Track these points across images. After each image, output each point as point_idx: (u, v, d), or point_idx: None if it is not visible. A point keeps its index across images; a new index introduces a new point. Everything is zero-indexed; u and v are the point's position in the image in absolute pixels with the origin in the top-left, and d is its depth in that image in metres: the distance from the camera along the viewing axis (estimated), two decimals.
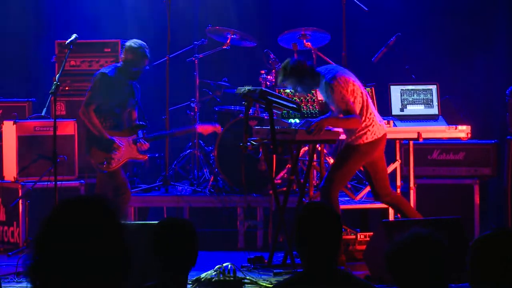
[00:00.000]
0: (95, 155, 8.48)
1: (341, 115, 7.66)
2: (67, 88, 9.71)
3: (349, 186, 8.90)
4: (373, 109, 7.84)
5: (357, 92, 7.68)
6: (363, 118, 7.69)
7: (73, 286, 2.37)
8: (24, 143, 9.03)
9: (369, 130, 7.71)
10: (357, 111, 7.64)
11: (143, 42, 8.60)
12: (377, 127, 7.76)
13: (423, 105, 8.98)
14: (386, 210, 8.62)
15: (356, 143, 7.71)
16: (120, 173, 8.54)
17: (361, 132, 7.69)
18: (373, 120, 7.74)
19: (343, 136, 8.06)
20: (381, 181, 7.88)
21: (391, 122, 8.60)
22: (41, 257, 2.39)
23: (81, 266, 2.37)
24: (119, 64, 8.63)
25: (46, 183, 8.38)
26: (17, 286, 7.34)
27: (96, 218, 2.42)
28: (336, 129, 7.90)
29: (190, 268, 3.90)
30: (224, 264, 7.18)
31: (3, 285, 7.31)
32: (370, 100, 7.84)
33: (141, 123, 8.68)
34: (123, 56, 8.59)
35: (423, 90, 9.02)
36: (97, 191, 8.50)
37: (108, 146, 8.43)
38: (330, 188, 7.65)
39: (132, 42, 8.58)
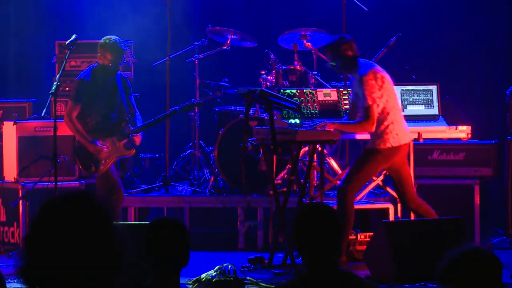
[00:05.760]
0: (82, 161, 8.51)
1: (358, 116, 7.68)
2: (67, 88, 9.71)
3: None
4: (401, 115, 7.83)
5: (390, 92, 7.69)
6: (389, 121, 7.66)
7: (65, 284, 2.38)
8: (24, 143, 9.03)
9: (397, 134, 7.69)
10: (375, 113, 7.61)
11: (116, 37, 8.59)
12: (403, 133, 7.75)
13: (423, 105, 8.98)
14: (386, 210, 8.62)
15: (379, 147, 7.69)
16: (112, 174, 8.53)
17: (387, 136, 7.67)
18: (400, 125, 7.74)
19: (342, 137, 8.06)
20: (406, 187, 7.84)
21: None
22: (32, 257, 2.40)
23: (71, 264, 2.38)
24: (94, 65, 8.60)
25: (46, 183, 8.38)
26: (17, 286, 7.34)
27: (83, 215, 2.43)
28: (337, 130, 7.88)
29: (181, 268, 3.89)
30: (225, 265, 7.18)
31: None
32: (400, 105, 7.84)
33: (121, 118, 8.62)
34: (99, 55, 8.54)
35: (424, 90, 9.02)
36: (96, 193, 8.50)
37: (93, 150, 8.44)
38: (347, 189, 7.65)
39: (107, 40, 8.52)
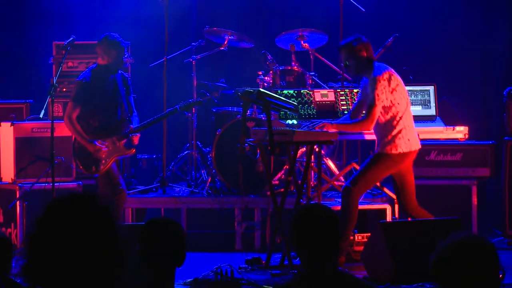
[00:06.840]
0: (82, 161, 8.51)
1: (360, 115, 7.69)
2: (64, 89, 9.71)
3: None
4: (412, 120, 7.80)
5: (403, 97, 7.65)
6: (402, 126, 7.61)
7: (67, 284, 2.39)
8: (22, 144, 9.02)
9: (408, 140, 7.65)
10: (377, 114, 7.58)
11: (115, 34, 8.57)
12: (413, 139, 7.71)
13: (420, 106, 8.98)
14: (384, 211, 8.62)
15: (390, 152, 7.63)
16: (113, 173, 8.54)
17: (399, 141, 7.62)
18: (411, 131, 7.71)
19: (339, 137, 8.05)
20: (407, 195, 7.80)
21: None
22: (34, 256, 2.41)
23: (73, 263, 2.38)
24: (93, 66, 8.60)
25: (44, 184, 8.38)
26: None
27: (88, 215, 2.44)
28: (334, 131, 7.87)
29: (175, 268, 3.89)
30: (222, 266, 7.18)
31: None
32: (411, 110, 7.82)
33: (122, 118, 8.63)
34: (102, 54, 8.50)
35: (421, 91, 9.02)
36: (99, 193, 8.50)
37: (92, 150, 8.44)
38: (353, 190, 7.60)
39: (107, 37, 8.49)
